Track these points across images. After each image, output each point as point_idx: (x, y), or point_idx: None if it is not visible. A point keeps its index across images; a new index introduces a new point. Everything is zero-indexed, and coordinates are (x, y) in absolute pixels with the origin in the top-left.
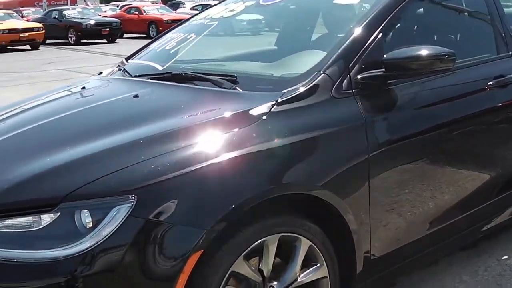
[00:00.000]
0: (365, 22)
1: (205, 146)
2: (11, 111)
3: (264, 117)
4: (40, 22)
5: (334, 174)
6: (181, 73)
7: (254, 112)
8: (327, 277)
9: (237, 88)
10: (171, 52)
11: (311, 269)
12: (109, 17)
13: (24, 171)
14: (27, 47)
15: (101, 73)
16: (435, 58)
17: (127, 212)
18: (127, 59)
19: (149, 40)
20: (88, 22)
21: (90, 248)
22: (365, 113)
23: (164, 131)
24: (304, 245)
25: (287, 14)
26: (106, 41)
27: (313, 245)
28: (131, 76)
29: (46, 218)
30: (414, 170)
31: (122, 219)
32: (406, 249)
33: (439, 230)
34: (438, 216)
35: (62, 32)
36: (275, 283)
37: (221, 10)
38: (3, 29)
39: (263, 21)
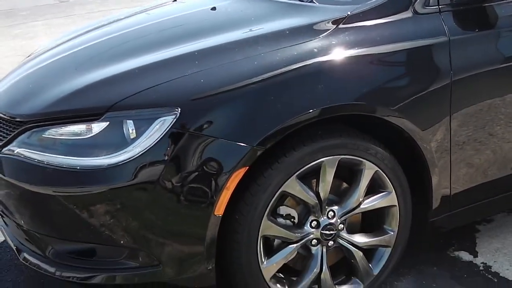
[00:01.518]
0: None
1: (261, 59)
2: (99, 26)
3: (329, 31)
4: None
5: (410, 98)
6: None
7: (319, 26)
8: (396, 206)
9: (314, 1)
10: None
11: (377, 196)
12: None
13: (79, 82)
14: None
15: None
16: None
17: (170, 124)
18: None
19: None
20: None
21: (133, 158)
22: (451, 30)
23: (223, 43)
24: (369, 169)
25: None
26: None
27: (380, 170)
28: None
29: (96, 128)
30: (505, 102)
31: (165, 130)
32: (487, 187)
33: None
34: None
35: None
36: (335, 207)
37: None
38: None
39: None
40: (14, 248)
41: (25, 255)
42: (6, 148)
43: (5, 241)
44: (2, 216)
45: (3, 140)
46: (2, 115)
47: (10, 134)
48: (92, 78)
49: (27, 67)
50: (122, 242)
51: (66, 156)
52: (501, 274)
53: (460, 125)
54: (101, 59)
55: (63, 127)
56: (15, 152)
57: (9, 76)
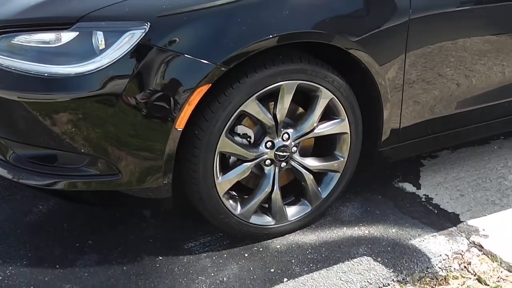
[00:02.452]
0: None
1: None
2: None
3: None
4: None
5: (370, 32)
6: None
7: None
8: (347, 133)
9: None
10: None
11: (331, 122)
12: None
13: None
14: None
15: None
16: None
17: (139, 38)
18: None
19: None
20: None
21: (100, 69)
22: None
23: None
24: (325, 96)
25: None
26: None
27: (335, 98)
28: None
29: (66, 37)
30: (457, 45)
31: (133, 43)
32: (433, 123)
33: (469, 111)
34: (471, 97)
35: None
36: (290, 130)
37: None
38: None
39: None
40: None
41: None
42: None
43: None
44: None
45: None
46: None
47: None
48: None
49: None
50: (83, 150)
51: (34, 63)
52: (441, 206)
53: (414, 64)
54: None
55: (32, 34)
56: None
57: None
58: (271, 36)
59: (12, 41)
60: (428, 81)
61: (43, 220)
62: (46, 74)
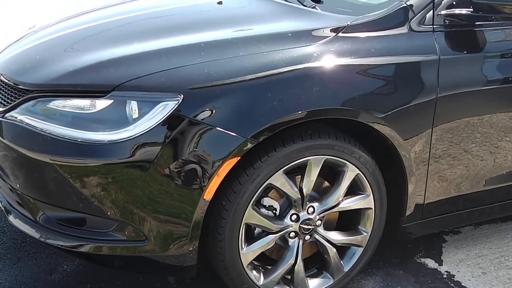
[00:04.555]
0: None
1: (262, 57)
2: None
3: (329, 38)
4: None
5: (396, 109)
6: None
7: (320, 32)
8: (372, 209)
9: (317, 7)
10: None
11: (356, 197)
12: None
13: (87, 59)
14: None
15: None
16: None
17: (172, 109)
18: None
19: None
20: None
21: (133, 137)
22: (442, 50)
23: (227, 38)
24: (351, 172)
25: None
26: None
27: (361, 174)
28: None
29: (100, 104)
30: (483, 121)
31: (166, 114)
32: (460, 200)
33: (495, 189)
34: (497, 175)
35: None
36: (315, 204)
37: None
38: None
39: None
40: (2, 208)
41: (12, 216)
42: (9, 114)
43: None
44: None
45: (6, 106)
46: (8, 82)
47: (15, 101)
48: (100, 56)
49: (34, 38)
50: (110, 213)
51: (68, 128)
52: (462, 284)
53: (441, 139)
54: (110, 38)
55: (68, 100)
56: (18, 119)
57: (14, 45)
58: (300, 111)
59: (48, 105)
60: (454, 156)
61: (67, 279)
62: (79, 140)
